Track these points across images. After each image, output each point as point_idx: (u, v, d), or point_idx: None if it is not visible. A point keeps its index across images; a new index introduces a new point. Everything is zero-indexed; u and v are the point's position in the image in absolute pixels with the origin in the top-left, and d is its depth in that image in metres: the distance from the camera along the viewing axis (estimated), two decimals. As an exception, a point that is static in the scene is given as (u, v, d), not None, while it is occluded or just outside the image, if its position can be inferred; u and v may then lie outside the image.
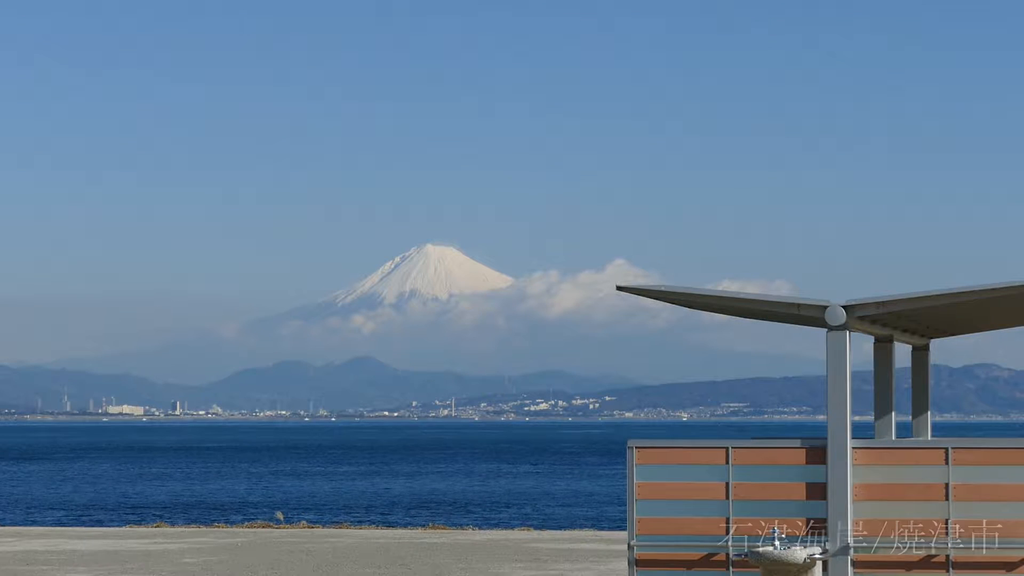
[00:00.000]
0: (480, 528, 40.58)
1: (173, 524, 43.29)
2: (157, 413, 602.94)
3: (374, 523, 50.82)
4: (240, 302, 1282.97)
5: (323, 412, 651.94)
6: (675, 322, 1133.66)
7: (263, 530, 34.71)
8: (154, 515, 59.82)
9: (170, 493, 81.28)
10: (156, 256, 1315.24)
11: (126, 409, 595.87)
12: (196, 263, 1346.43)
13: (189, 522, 50.81)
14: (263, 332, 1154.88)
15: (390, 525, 47.88)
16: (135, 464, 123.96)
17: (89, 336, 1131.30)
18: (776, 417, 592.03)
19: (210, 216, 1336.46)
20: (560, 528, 45.54)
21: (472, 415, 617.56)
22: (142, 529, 35.93)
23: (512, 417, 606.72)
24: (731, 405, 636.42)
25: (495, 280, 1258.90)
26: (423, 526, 39.45)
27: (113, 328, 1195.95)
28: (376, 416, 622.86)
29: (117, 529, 36.54)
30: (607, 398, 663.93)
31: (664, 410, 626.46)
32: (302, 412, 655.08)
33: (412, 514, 62.99)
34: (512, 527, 44.43)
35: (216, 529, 35.73)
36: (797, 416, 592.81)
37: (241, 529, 35.55)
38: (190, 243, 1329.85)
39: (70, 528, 38.68)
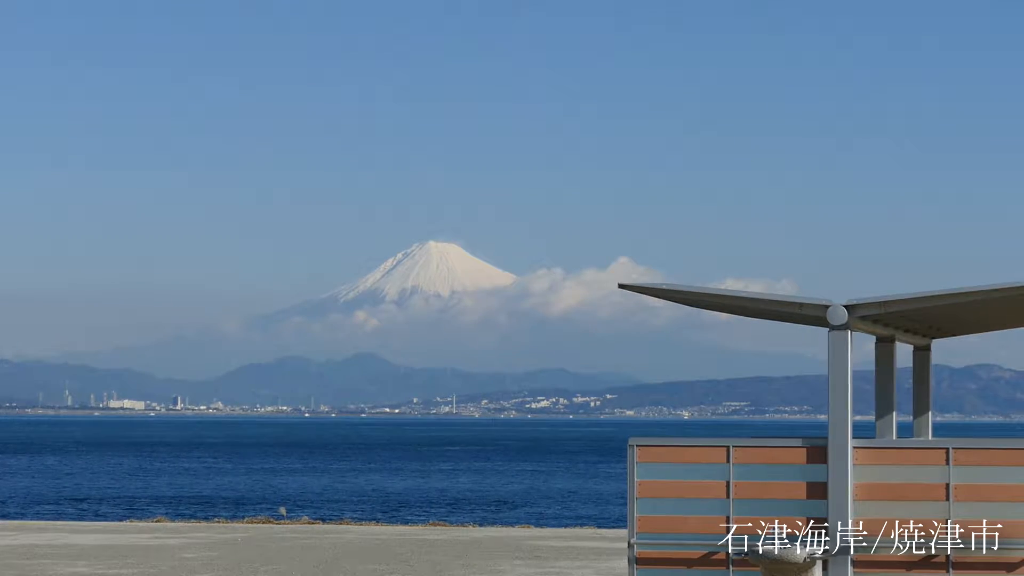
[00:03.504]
0: (480, 525, 40.60)
1: (173, 519, 43.30)
2: (158, 408, 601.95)
3: (375, 519, 50.90)
4: (242, 297, 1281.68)
5: (324, 408, 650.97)
6: (678, 320, 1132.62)
7: (263, 525, 34.74)
8: (154, 510, 59.81)
9: (171, 487, 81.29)
10: (158, 251, 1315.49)
11: (127, 404, 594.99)
12: (199, 258, 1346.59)
13: (189, 517, 50.82)
14: (265, 327, 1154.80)
15: (391, 522, 47.94)
16: (136, 458, 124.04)
17: (90, 330, 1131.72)
18: (777, 416, 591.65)
19: (213, 212, 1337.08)
20: (561, 526, 45.51)
21: (473, 412, 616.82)
22: (142, 524, 35.94)
23: (513, 415, 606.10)
24: (733, 404, 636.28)
25: (498, 277, 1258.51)
26: (424, 523, 39.49)
27: (115, 322, 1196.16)
28: (377, 413, 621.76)
29: (117, 523, 36.55)
30: (608, 396, 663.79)
31: (666, 408, 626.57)
32: (303, 408, 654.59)
33: (413, 511, 62.97)
34: (512, 524, 44.45)
35: (216, 524, 35.73)
36: (798, 415, 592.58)
37: (241, 524, 35.56)
38: (193, 238, 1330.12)
39: (70, 522, 38.69)
